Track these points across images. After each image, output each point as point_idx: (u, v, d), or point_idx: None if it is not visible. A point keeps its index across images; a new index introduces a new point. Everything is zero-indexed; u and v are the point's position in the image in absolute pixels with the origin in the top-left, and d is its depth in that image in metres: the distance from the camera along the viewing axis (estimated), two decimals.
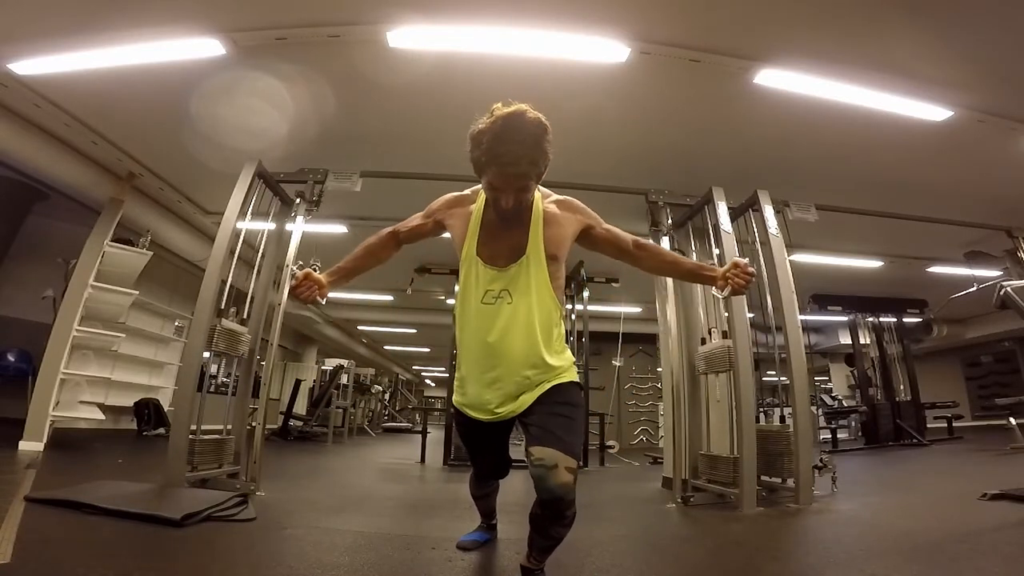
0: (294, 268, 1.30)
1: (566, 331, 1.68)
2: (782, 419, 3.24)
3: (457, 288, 1.49)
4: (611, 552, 1.87)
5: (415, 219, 1.56)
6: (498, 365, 1.38)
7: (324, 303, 1.44)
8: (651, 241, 1.52)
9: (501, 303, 1.37)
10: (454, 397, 1.57)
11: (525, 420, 1.39)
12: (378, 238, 1.56)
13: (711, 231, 3.47)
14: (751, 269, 1.36)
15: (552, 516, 1.31)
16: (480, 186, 1.43)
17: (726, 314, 3.14)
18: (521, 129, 1.21)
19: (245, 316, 3.22)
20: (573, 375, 1.45)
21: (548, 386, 1.39)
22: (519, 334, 1.36)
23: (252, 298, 3.27)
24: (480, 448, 1.66)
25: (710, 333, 3.36)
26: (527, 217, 1.39)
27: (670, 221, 3.72)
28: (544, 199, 1.45)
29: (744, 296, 3.07)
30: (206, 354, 2.90)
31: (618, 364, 6.76)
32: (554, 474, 1.24)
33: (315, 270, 1.40)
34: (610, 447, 7.07)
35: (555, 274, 1.41)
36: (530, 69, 2.88)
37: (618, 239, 1.50)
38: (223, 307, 2.97)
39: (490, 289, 1.38)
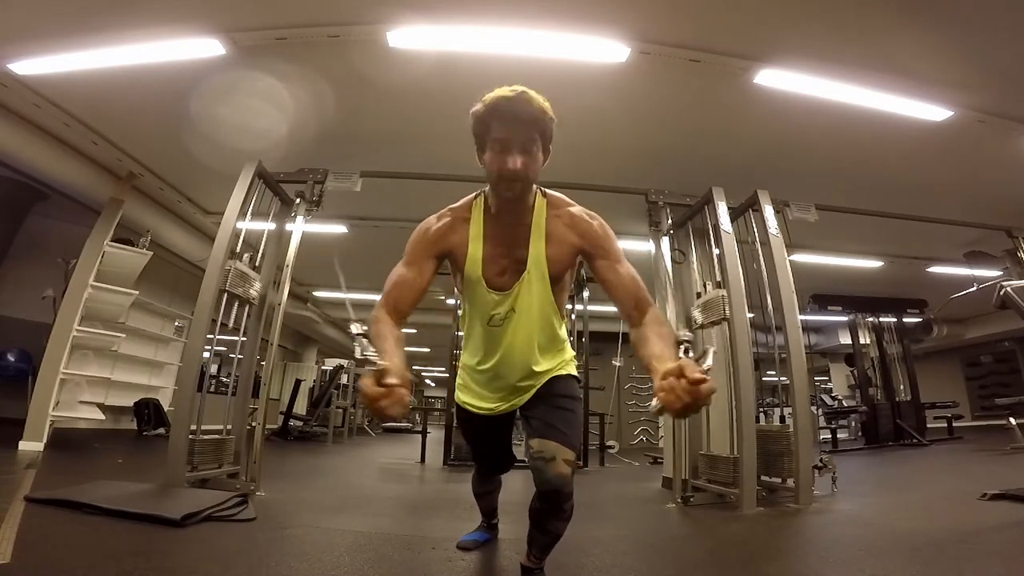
0: (372, 367, 0.83)
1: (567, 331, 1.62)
2: (782, 419, 3.24)
3: (461, 304, 1.45)
4: (611, 552, 1.87)
5: (405, 279, 1.25)
6: (500, 377, 1.42)
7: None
8: (656, 309, 1.20)
9: (507, 323, 1.35)
10: (456, 394, 1.59)
11: (526, 413, 1.43)
12: (388, 327, 1.13)
13: (711, 231, 3.47)
14: (702, 389, 0.77)
15: (550, 509, 1.32)
16: (463, 202, 1.35)
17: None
18: (524, 96, 1.17)
19: (256, 264, 3.25)
20: (572, 368, 1.48)
21: (547, 378, 1.42)
22: (522, 351, 1.37)
23: (249, 310, 3.26)
24: (483, 442, 1.68)
25: (705, 286, 3.42)
26: (527, 223, 1.30)
27: (670, 221, 3.72)
28: (553, 208, 1.32)
29: (728, 248, 3.15)
30: (207, 353, 2.90)
31: (618, 364, 6.76)
32: (552, 466, 1.26)
33: (362, 339, 0.91)
34: (610, 447, 7.07)
35: (557, 287, 1.36)
36: (530, 69, 2.88)
37: (618, 288, 1.23)
38: (236, 251, 3.04)
39: (496, 313, 1.33)
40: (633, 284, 1.22)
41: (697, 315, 3.43)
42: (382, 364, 0.82)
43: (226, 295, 2.96)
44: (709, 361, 0.82)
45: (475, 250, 1.31)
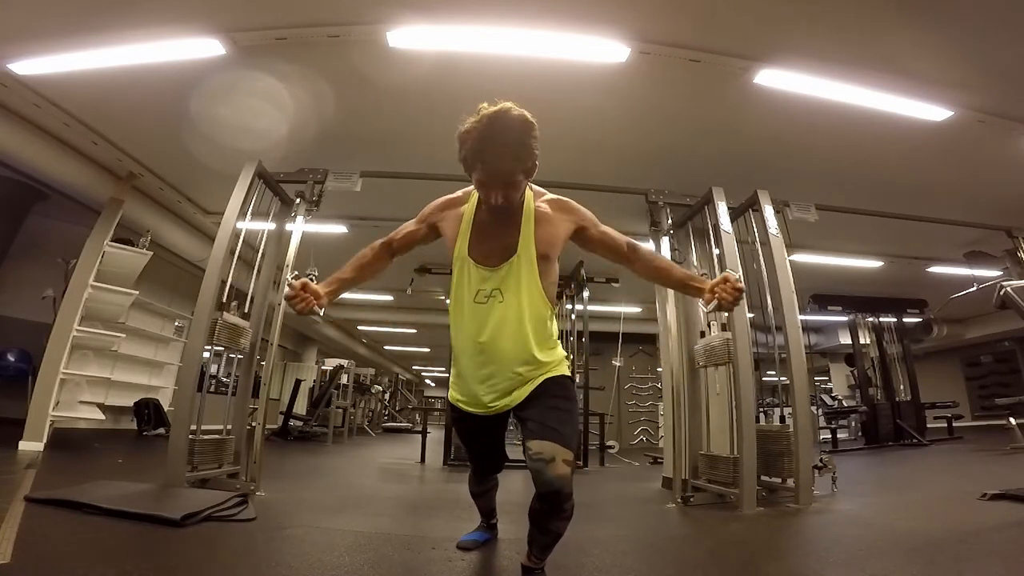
0: (289, 278, 1.26)
1: (562, 330, 1.66)
2: (782, 419, 3.24)
3: (451, 287, 1.49)
4: (611, 552, 1.87)
5: (408, 226, 1.55)
6: (491, 363, 1.41)
7: (323, 314, 1.41)
8: (645, 245, 1.48)
9: (493, 302, 1.39)
10: (450, 393, 1.59)
11: (521, 415, 1.42)
12: (371, 251, 1.54)
13: (711, 231, 3.47)
14: (740, 285, 1.30)
15: (551, 509, 1.33)
16: (469, 188, 1.47)
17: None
18: (506, 127, 1.22)
19: (246, 310, 3.22)
20: (564, 369, 1.49)
21: (541, 380, 1.42)
22: (510, 333, 1.39)
23: (252, 298, 3.28)
24: (477, 442, 1.68)
25: (709, 326, 3.37)
26: (518, 215, 1.40)
27: (670, 221, 3.72)
28: (537, 198, 1.45)
29: (728, 248, 3.10)
30: (206, 353, 2.91)
31: (618, 364, 6.77)
32: (551, 467, 1.26)
33: (312, 279, 1.36)
34: (610, 447, 7.07)
35: (546, 273, 1.42)
36: (530, 69, 2.88)
37: (611, 241, 1.48)
38: (224, 301, 2.98)
39: (482, 288, 1.40)
40: (619, 234, 1.49)
41: (700, 357, 3.30)
42: (294, 281, 1.34)
43: (213, 351, 2.92)
44: (736, 273, 1.34)
45: (464, 231, 1.44)
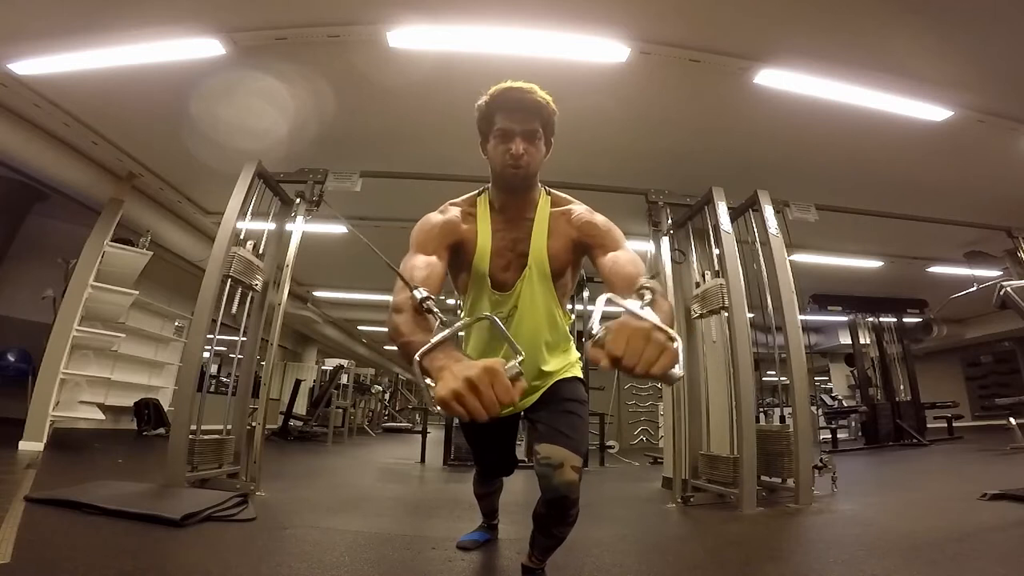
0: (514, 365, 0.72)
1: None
2: (782, 419, 3.25)
3: (465, 299, 1.41)
4: (611, 552, 1.87)
5: (429, 260, 1.15)
6: None
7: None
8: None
9: (510, 320, 1.32)
10: None
11: (531, 417, 1.40)
12: (413, 314, 0.98)
13: (711, 231, 3.47)
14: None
15: (556, 515, 1.31)
16: (465, 197, 1.35)
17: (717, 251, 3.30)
18: (526, 86, 1.23)
19: (260, 252, 3.27)
20: (577, 371, 1.45)
21: (552, 381, 1.40)
22: (527, 349, 1.31)
23: (252, 299, 3.27)
24: (485, 445, 1.65)
25: (703, 276, 3.43)
26: (531, 215, 1.30)
27: (670, 221, 3.72)
28: (554, 205, 1.33)
29: (728, 249, 3.21)
30: (207, 353, 2.91)
31: None
32: (560, 473, 1.23)
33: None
34: (610, 447, 7.07)
35: (560, 284, 1.34)
36: (530, 69, 2.87)
37: (615, 274, 1.12)
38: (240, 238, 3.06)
39: (499, 312, 1.32)
40: (633, 268, 1.10)
41: (696, 306, 3.46)
42: (512, 363, 0.69)
43: (229, 283, 2.96)
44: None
45: (484, 242, 1.29)
